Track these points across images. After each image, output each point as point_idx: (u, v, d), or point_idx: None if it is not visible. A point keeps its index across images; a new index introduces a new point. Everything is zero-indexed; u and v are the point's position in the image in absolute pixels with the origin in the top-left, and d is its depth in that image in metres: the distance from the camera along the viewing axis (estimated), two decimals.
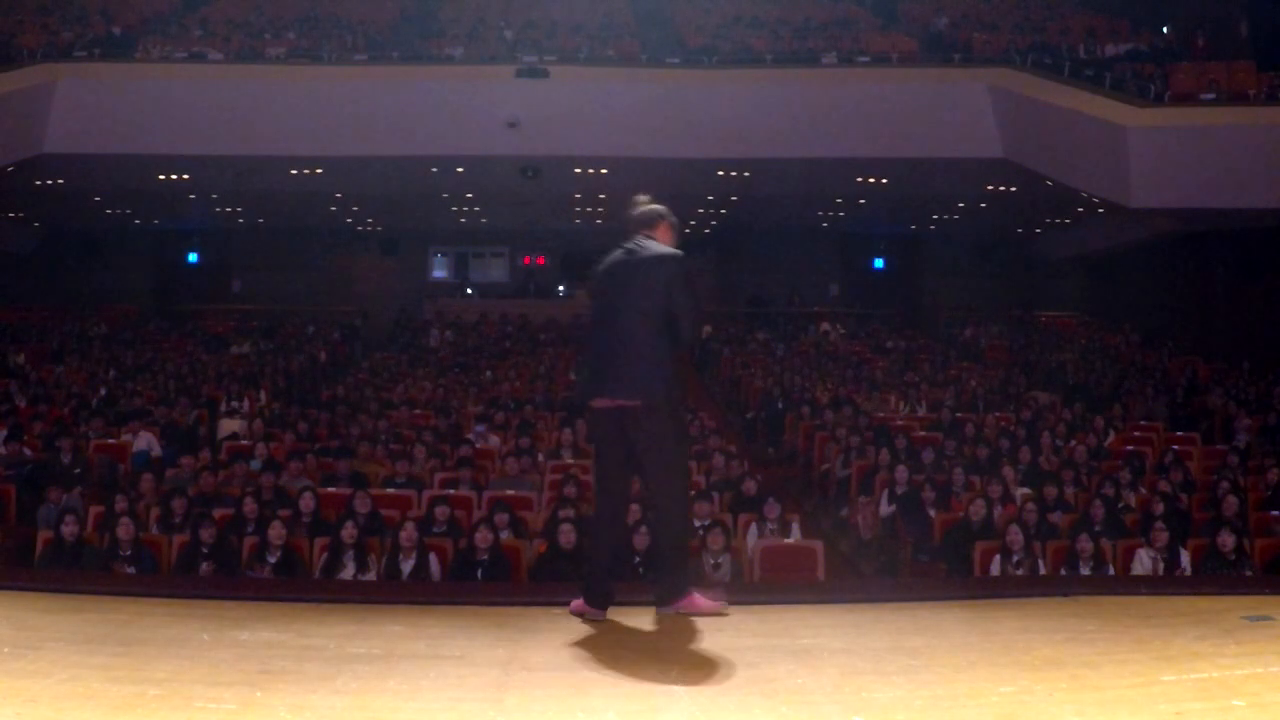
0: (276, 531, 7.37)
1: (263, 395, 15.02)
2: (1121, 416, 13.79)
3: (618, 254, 4.58)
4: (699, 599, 4.47)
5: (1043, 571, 7.51)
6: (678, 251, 4.57)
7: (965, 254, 25.68)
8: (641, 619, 4.51)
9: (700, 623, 4.46)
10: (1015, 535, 7.58)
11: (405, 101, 16.82)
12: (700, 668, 3.59)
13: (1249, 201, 15.56)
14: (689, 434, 4.71)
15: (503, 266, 26.95)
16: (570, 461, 10.65)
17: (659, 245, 4.57)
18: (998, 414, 13.55)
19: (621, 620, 4.46)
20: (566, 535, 7.43)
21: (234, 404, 14.10)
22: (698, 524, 8.04)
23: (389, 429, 12.05)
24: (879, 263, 27.37)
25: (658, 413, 4.40)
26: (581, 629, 4.29)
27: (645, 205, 4.71)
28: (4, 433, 11.03)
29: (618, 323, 4.46)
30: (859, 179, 19.11)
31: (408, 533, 7.26)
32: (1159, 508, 8.14)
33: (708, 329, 22.64)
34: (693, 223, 24.98)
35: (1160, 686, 3.27)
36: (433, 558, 7.32)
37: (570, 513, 7.86)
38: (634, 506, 8.22)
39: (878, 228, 25.90)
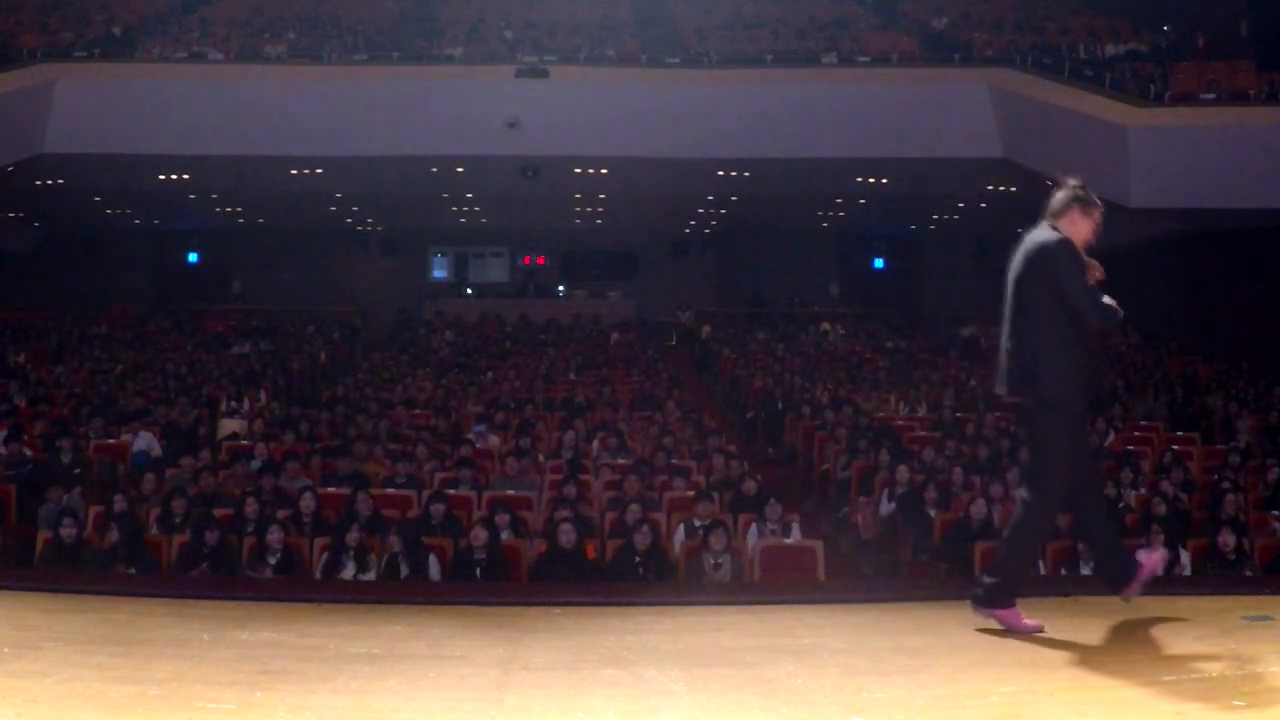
0: (276, 535, 7.37)
1: (263, 395, 15.01)
2: (1121, 416, 13.78)
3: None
4: (1018, 616, 4.14)
5: (1044, 571, 7.51)
6: (1047, 238, 4.21)
7: (965, 254, 25.65)
8: (644, 619, 4.51)
9: (700, 623, 4.47)
10: None
11: (405, 101, 16.80)
12: (700, 668, 3.59)
13: (1249, 201, 15.54)
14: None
15: (502, 266, 26.93)
16: (564, 460, 10.63)
17: (1035, 234, 4.26)
18: (998, 414, 13.55)
19: (622, 620, 4.45)
20: (566, 535, 7.43)
21: (234, 404, 14.09)
22: (698, 524, 8.05)
23: (389, 429, 12.04)
24: (879, 263, 27.36)
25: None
26: (581, 629, 4.29)
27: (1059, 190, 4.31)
28: (4, 433, 11.02)
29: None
30: (859, 179, 19.09)
31: (393, 540, 7.26)
32: (1159, 508, 8.14)
33: (707, 329, 22.67)
34: (692, 223, 25.00)
35: (1160, 686, 3.27)
36: (432, 559, 7.32)
37: (569, 513, 7.85)
38: (634, 506, 8.26)
39: (878, 228, 25.89)
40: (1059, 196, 4.30)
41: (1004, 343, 4.33)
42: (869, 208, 22.36)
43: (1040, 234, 4.25)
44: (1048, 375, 4.17)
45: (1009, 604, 4.16)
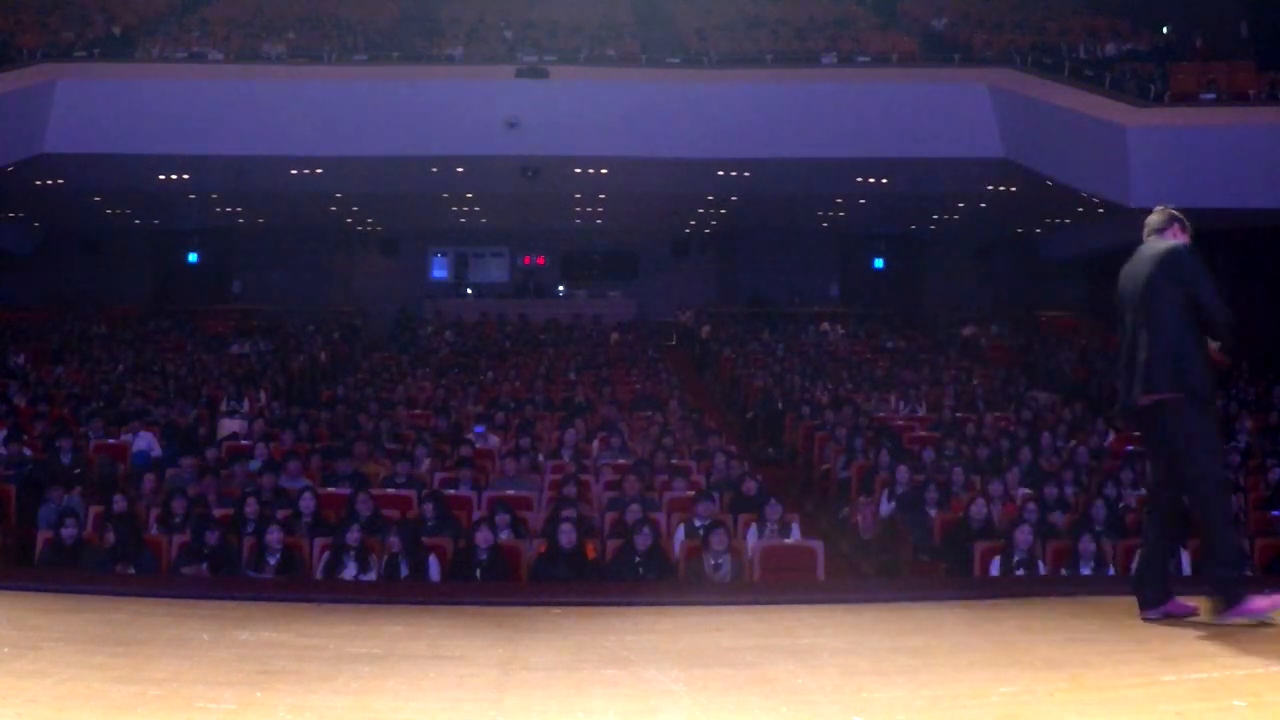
0: (276, 535, 7.37)
1: (263, 395, 15.01)
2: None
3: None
4: (1253, 599, 4.17)
5: (1043, 571, 7.51)
6: (1175, 244, 4.41)
7: (965, 254, 25.65)
8: (644, 619, 4.50)
9: (700, 623, 4.46)
10: (1025, 535, 7.56)
11: (405, 101, 16.81)
12: (700, 668, 3.59)
13: (1249, 201, 15.55)
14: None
15: (502, 266, 26.94)
16: (564, 460, 10.63)
17: (1156, 244, 4.46)
18: (998, 414, 13.55)
19: (622, 620, 4.45)
20: (567, 535, 7.42)
21: (234, 404, 14.08)
22: (698, 524, 8.05)
23: (389, 429, 12.04)
24: (879, 263, 27.36)
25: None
26: (581, 629, 4.28)
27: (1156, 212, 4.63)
28: (4, 433, 11.02)
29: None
30: (859, 179, 19.10)
31: (393, 540, 7.26)
32: None
33: (707, 329, 22.66)
34: (692, 223, 25.00)
35: (1161, 686, 3.27)
36: (432, 559, 7.32)
37: (570, 513, 7.85)
38: (634, 506, 8.25)
39: (878, 228, 25.89)
40: (1157, 217, 4.55)
41: (1140, 351, 4.36)
42: (869, 208, 22.36)
43: (1164, 242, 4.43)
44: (1191, 369, 4.28)
45: (1245, 594, 4.17)
